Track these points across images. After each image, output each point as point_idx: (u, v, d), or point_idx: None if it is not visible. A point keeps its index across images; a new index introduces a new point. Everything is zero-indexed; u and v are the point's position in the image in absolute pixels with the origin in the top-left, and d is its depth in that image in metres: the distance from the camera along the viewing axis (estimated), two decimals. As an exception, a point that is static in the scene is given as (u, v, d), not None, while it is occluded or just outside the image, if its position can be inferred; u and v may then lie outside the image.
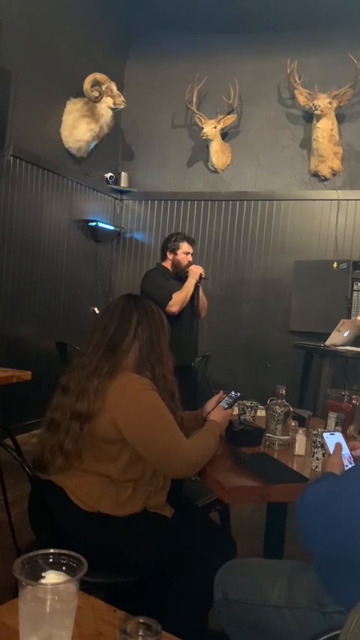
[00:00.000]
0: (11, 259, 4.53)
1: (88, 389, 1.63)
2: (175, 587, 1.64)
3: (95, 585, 1.54)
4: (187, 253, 3.90)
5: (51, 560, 0.81)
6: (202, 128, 5.45)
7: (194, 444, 1.68)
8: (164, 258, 3.93)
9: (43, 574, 0.79)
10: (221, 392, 2.03)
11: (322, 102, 5.01)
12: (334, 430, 1.92)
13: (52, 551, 0.82)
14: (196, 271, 3.81)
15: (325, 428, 2.03)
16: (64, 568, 0.81)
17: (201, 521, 1.86)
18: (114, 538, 1.62)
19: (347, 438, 2.10)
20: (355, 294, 4.67)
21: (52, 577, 0.78)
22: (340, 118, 5.22)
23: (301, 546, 1.24)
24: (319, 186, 5.41)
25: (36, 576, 0.78)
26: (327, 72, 5.21)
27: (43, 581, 0.78)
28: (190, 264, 3.89)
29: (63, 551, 0.82)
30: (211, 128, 5.43)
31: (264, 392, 2.39)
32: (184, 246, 3.89)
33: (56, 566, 0.81)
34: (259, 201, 5.56)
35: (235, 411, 2.26)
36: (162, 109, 5.85)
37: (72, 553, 0.82)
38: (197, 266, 3.87)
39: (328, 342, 4.09)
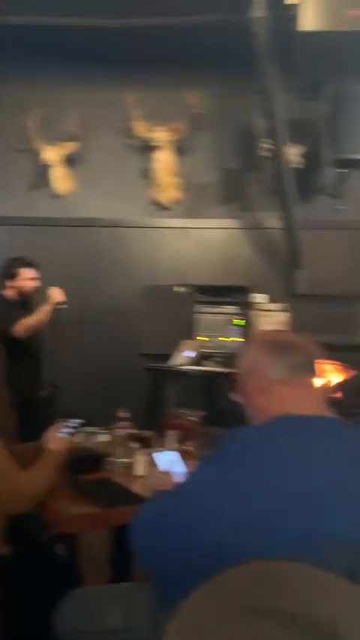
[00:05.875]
0: None
1: None
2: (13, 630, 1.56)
3: None
4: (31, 278, 3.77)
5: None
6: (42, 154, 5.41)
7: (29, 477, 1.64)
8: (3, 287, 3.75)
9: None
10: (60, 421, 2.01)
11: (159, 135, 5.27)
12: (174, 448, 2.00)
13: None
14: (53, 296, 3.70)
15: (165, 446, 2.10)
16: None
17: (44, 555, 1.80)
18: None
19: (186, 454, 2.19)
20: (195, 315, 4.93)
21: None
22: (179, 150, 5.51)
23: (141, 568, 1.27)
24: (161, 214, 5.64)
25: None
26: (163, 107, 5.48)
27: None
28: (38, 289, 3.77)
29: None
30: (51, 154, 5.40)
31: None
32: (25, 272, 3.74)
33: None
34: (104, 228, 5.63)
35: (78, 438, 2.24)
36: (2, 133, 5.69)
37: None
38: (56, 290, 3.74)
39: (172, 363, 4.25)
